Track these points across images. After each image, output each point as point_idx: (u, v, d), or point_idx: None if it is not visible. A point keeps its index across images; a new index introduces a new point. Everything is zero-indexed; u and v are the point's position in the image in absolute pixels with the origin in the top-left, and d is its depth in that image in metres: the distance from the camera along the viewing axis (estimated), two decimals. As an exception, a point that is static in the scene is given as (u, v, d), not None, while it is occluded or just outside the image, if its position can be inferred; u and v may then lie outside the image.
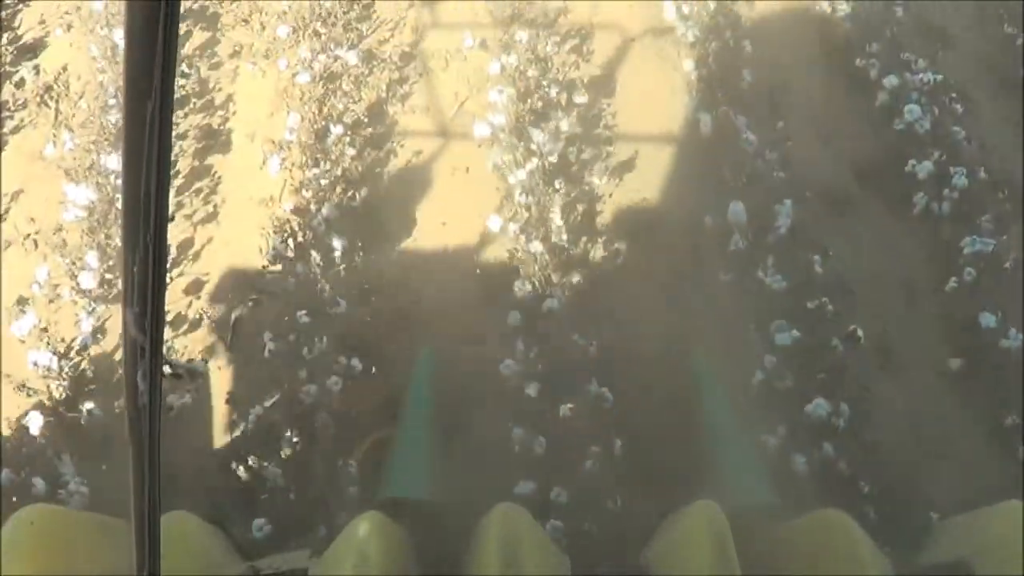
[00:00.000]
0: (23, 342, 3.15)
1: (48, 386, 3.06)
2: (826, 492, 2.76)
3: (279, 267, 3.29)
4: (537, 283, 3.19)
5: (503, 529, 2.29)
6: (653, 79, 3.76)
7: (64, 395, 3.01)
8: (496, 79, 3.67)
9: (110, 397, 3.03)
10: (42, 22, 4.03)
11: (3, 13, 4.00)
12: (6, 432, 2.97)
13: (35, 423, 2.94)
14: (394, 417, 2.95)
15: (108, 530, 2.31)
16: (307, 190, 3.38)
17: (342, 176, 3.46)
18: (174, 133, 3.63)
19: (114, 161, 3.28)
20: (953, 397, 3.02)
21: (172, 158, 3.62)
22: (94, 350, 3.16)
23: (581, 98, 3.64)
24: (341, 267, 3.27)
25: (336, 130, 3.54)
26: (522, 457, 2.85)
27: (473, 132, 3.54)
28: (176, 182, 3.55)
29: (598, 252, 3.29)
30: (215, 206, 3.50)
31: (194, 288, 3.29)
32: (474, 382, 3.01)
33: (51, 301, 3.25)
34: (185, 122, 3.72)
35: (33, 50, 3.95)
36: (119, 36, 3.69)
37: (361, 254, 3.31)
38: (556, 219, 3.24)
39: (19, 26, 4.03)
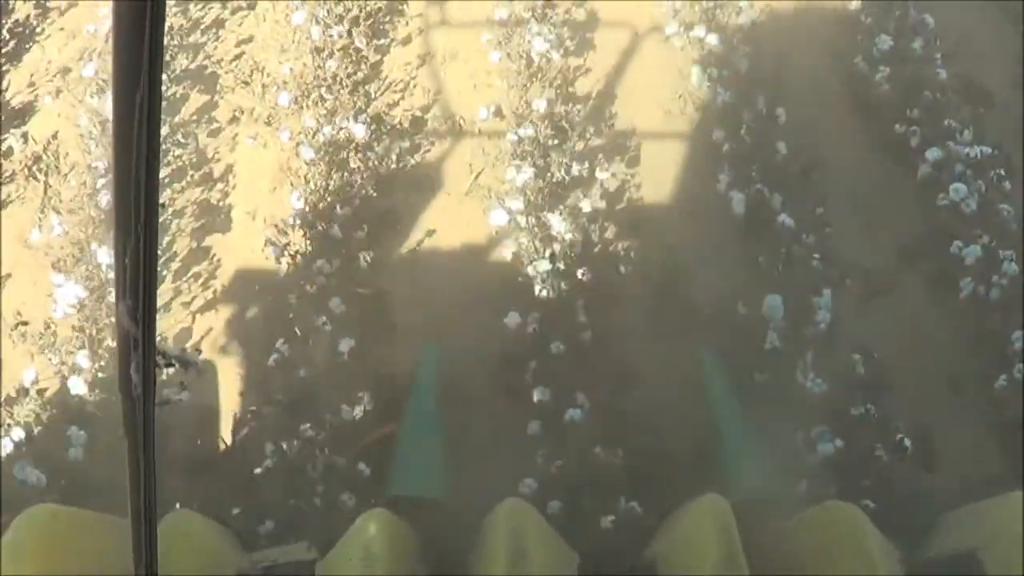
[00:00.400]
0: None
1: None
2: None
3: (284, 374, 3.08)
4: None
5: (510, 523, 2.35)
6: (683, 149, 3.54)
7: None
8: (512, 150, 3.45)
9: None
10: (31, 85, 3.80)
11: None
12: None
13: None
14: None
15: (111, 529, 2.28)
16: (312, 284, 3.15)
17: (349, 264, 3.25)
18: (171, 210, 3.43)
19: (104, 254, 3.06)
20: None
21: (169, 239, 3.44)
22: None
23: (603, 173, 3.42)
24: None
25: (343, 212, 3.32)
26: None
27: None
28: (173, 265, 3.34)
29: (624, 347, 3.09)
30: (215, 291, 3.30)
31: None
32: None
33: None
34: (182, 197, 3.49)
35: (22, 116, 3.72)
36: (108, 106, 3.44)
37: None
38: (580, 316, 3.03)
39: (7, 88, 3.80)
